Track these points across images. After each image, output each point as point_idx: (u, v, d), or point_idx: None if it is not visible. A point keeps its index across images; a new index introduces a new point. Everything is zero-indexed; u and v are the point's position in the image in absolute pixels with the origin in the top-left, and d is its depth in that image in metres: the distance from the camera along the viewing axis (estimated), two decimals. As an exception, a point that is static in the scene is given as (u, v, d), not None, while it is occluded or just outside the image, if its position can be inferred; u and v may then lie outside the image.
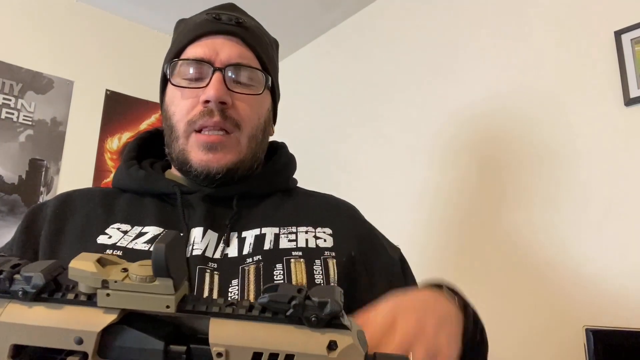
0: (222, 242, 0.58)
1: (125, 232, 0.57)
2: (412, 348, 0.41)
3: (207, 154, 0.60)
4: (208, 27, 0.63)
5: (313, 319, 0.31)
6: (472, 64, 1.44)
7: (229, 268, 0.55)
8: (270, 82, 0.66)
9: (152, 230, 0.57)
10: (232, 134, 0.61)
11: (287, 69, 2.21)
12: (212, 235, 0.58)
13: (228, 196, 0.63)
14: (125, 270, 0.32)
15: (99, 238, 0.56)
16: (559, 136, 1.18)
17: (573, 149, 1.15)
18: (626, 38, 1.08)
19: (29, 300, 0.32)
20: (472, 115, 1.41)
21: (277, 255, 0.57)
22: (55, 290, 0.33)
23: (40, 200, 1.75)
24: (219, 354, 0.31)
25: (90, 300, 0.32)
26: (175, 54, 0.64)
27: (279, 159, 0.71)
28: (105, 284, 0.31)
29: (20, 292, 0.32)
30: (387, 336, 0.41)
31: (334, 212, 0.67)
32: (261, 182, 0.66)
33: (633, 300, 0.99)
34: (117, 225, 0.58)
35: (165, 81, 0.66)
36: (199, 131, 0.60)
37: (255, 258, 0.56)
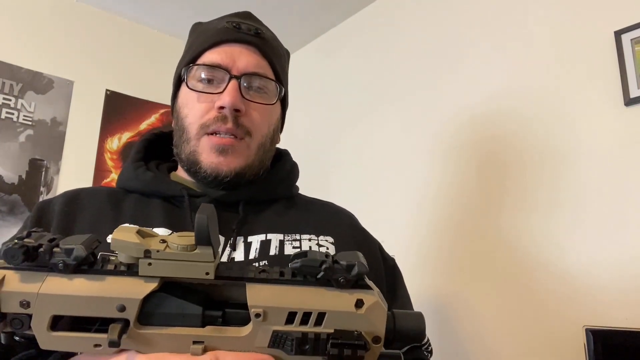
0: (228, 246, 0.59)
1: None
2: None
3: (219, 156, 0.61)
4: (227, 35, 0.64)
5: (341, 280, 0.34)
6: (472, 64, 1.44)
7: None
8: (282, 93, 0.68)
9: (160, 232, 0.58)
10: (243, 139, 0.63)
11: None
12: (220, 240, 0.59)
13: (234, 201, 0.64)
14: (163, 241, 0.34)
15: (108, 238, 0.56)
16: (559, 136, 1.18)
17: (573, 149, 1.15)
18: (626, 38, 1.08)
19: (69, 272, 0.33)
20: (472, 115, 1.41)
21: (283, 261, 0.58)
22: (93, 262, 0.34)
23: (40, 200, 1.75)
24: (258, 315, 0.33)
25: (129, 270, 0.34)
26: (192, 58, 0.65)
27: (283, 167, 0.72)
28: (147, 253, 0.33)
29: (60, 265, 0.32)
30: None
31: (334, 220, 0.69)
32: (266, 189, 0.68)
33: (633, 300, 0.99)
34: (125, 225, 0.59)
35: (179, 83, 0.67)
36: (211, 134, 0.62)
37: (262, 263, 0.57)
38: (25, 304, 0.32)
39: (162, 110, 2.12)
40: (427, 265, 1.42)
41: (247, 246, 0.60)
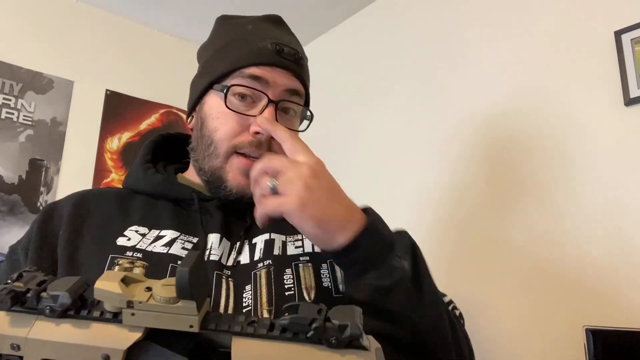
0: (234, 250, 0.60)
1: (143, 235, 0.58)
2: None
3: (247, 179, 0.60)
4: (269, 58, 0.63)
5: (333, 341, 0.32)
6: (472, 65, 1.44)
7: (242, 274, 0.56)
8: (311, 119, 0.69)
9: (169, 234, 0.58)
10: None
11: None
12: (226, 244, 0.60)
13: (242, 208, 0.64)
14: (149, 289, 0.33)
15: (118, 240, 0.57)
16: (559, 136, 1.18)
17: (573, 149, 1.15)
18: (626, 38, 1.08)
19: (56, 317, 0.33)
20: (474, 115, 1.41)
21: (286, 260, 0.59)
22: (81, 307, 0.34)
23: (41, 200, 1.75)
24: None
25: (115, 318, 0.33)
26: (230, 71, 0.63)
27: None
28: (130, 304, 0.32)
29: (47, 310, 0.33)
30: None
31: None
32: None
33: (633, 300, 0.99)
34: (134, 227, 0.59)
35: (207, 87, 0.65)
36: (241, 154, 0.61)
37: (266, 262, 0.58)
38: (16, 347, 0.32)
39: (162, 110, 2.12)
40: (429, 266, 1.42)
41: (252, 247, 0.60)
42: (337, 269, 0.59)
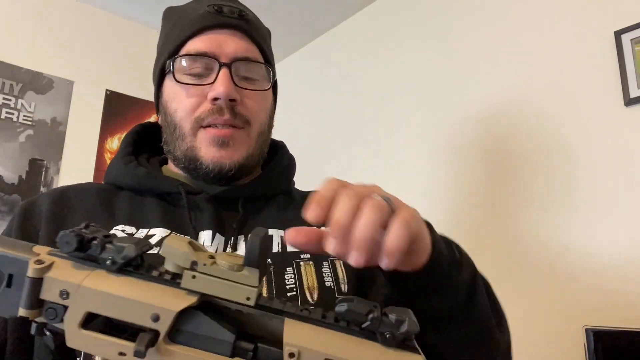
0: (229, 246, 0.56)
1: (131, 235, 0.55)
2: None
3: (219, 150, 0.57)
4: (210, 21, 0.59)
5: (388, 335, 0.31)
6: (473, 65, 1.44)
7: None
8: (274, 77, 0.64)
9: (159, 232, 0.55)
10: (242, 128, 0.59)
11: (288, 69, 2.21)
12: (220, 240, 0.57)
13: (233, 198, 0.61)
14: (212, 257, 0.32)
15: None
16: (559, 136, 1.18)
17: (573, 149, 1.15)
18: (626, 38, 1.08)
19: (115, 271, 0.32)
20: (472, 115, 1.41)
21: (287, 258, 0.56)
22: (140, 265, 0.33)
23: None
24: (292, 354, 0.30)
25: (173, 280, 0.33)
26: (175, 49, 0.61)
27: (280, 161, 0.69)
28: (194, 265, 0.32)
29: (109, 261, 0.32)
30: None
31: None
32: (265, 185, 0.65)
33: (633, 300, 0.99)
34: (121, 227, 0.56)
35: (161, 75, 0.63)
36: (208, 126, 0.58)
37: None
38: (65, 295, 0.31)
39: (162, 110, 2.12)
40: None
41: None
42: (338, 268, 0.57)
